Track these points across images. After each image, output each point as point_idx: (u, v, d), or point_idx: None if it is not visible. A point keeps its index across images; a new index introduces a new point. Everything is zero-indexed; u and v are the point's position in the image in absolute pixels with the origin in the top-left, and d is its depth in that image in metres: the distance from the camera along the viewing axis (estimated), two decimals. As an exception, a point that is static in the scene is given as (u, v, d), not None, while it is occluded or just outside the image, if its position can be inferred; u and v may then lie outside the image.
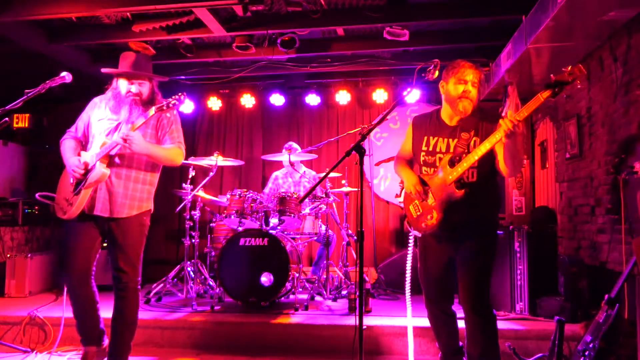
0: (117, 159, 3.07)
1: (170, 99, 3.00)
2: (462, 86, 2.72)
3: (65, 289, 3.24)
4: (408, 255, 3.05)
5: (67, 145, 3.20)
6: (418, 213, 2.85)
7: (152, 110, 3.00)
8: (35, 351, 3.86)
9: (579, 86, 2.41)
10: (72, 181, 3.08)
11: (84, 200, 3.02)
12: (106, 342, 3.24)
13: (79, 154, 3.13)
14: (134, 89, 3.11)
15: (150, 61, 3.18)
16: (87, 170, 3.02)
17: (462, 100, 2.72)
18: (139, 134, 2.98)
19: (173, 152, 3.15)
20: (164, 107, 2.98)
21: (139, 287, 3.20)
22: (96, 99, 3.27)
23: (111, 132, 3.10)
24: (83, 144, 3.23)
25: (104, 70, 3.16)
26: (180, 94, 3.01)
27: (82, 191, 3.00)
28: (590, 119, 4.57)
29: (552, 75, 2.42)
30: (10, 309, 4.35)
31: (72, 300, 3.15)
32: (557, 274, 4.18)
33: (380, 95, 6.53)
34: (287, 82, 6.79)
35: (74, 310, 3.16)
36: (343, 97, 6.58)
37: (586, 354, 3.05)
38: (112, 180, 3.06)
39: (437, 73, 2.68)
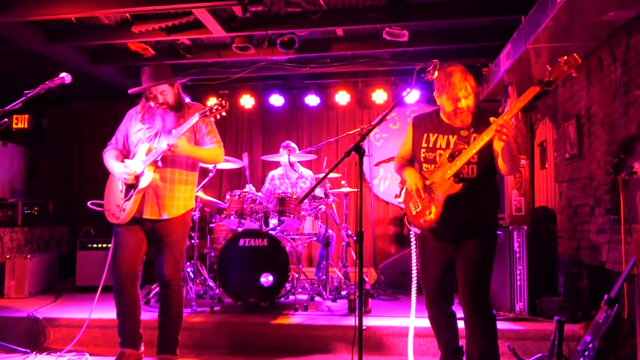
0: (160, 163, 3.19)
1: (213, 106, 3.10)
2: (454, 104, 2.72)
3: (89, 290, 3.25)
4: (412, 255, 3.05)
5: (110, 155, 3.36)
6: (417, 209, 2.86)
7: (195, 117, 3.11)
8: (34, 352, 3.85)
9: (574, 75, 2.43)
10: (121, 188, 3.23)
11: (135, 205, 3.17)
12: (142, 348, 3.35)
13: (122, 162, 3.28)
14: (159, 99, 3.25)
15: (166, 68, 3.30)
16: (137, 177, 3.16)
17: (458, 116, 2.74)
18: (182, 140, 3.13)
19: (215, 152, 3.33)
20: (207, 113, 3.10)
21: (182, 282, 3.35)
22: (131, 111, 3.43)
23: (151, 139, 3.25)
24: (124, 154, 3.38)
25: (130, 91, 3.29)
26: (221, 99, 3.11)
27: (133, 196, 3.15)
28: (590, 119, 4.57)
29: (547, 66, 2.44)
30: (10, 310, 4.35)
31: (117, 301, 3.29)
32: (557, 274, 4.17)
33: (379, 96, 6.53)
34: (286, 82, 6.79)
35: (118, 311, 3.30)
36: (342, 97, 6.59)
37: (586, 354, 3.05)
38: (158, 184, 3.20)
39: (436, 73, 2.69)
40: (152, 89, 3.23)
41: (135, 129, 3.33)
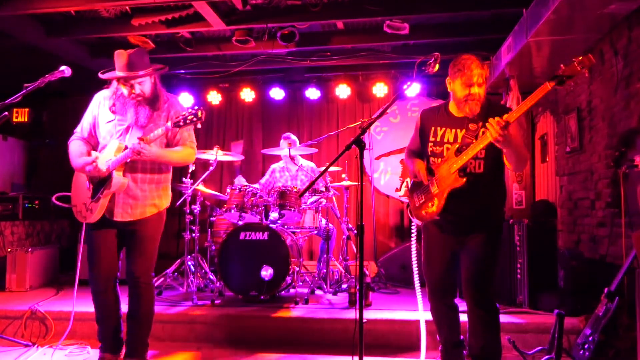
0: (130, 163, 3.03)
1: (187, 114, 2.87)
2: (468, 89, 2.71)
3: (72, 287, 3.22)
4: (412, 247, 3.05)
5: (76, 147, 3.12)
6: (421, 201, 2.86)
7: (168, 125, 2.92)
8: (36, 345, 3.87)
9: (587, 75, 2.42)
10: (88, 186, 3.06)
11: (103, 207, 3.02)
12: (123, 352, 3.23)
13: (89, 154, 3.08)
14: (136, 89, 3.02)
15: (145, 55, 3.04)
16: (106, 177, 3.00)
17: (468, 102, 2.73)
18: (154, 146, 2.96)
19: (184, 153, 3.13)
20: (180, 124, 2.88)
21: (153, 281, 3.21)
22: (99, 97, 3.18)
23: (122, 134, 3.06)
24: (92, 144, 3.18)
25: (102, 76, 3.07)
26: (197, 108, 2.88)
27: (101, 198, 3.00)
28: (591, 113, 4.56)
29: (562, 64, 2.42)
30: (11, 303, 4.36)
31: (96, 304, 3.18)
32: (557, 268, 4.18)
33: (380, 89, 6.52)
34: (286, 76, 6.77)
35: (97, 315, 3.20)
36: (343, 90, 6.57)
37: (586, 347, 3.07)
38: (130, 185, 3.04)
39: (437, 67, 2.67)
40: (128, 79, 2.98)
41: (105, 119, 3.09)
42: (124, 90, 3.04)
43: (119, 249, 3.18)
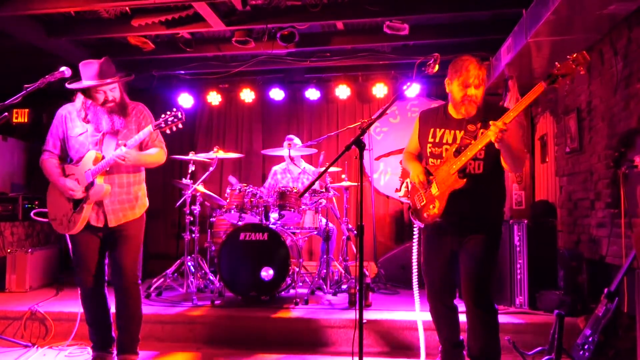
0: (115, 169, 3.11)
1: (167, 117, 2.99)
2: (464, 90, 2.72)
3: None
4: (414, 248, 3.05)
5: (52, 166, 3.17)
6: (422, 203, 2.86)
7: (149, 128, 3.02)
8: (36, 346, 3.87)
9: (582, 73, 2.42)
10: (69, 200, 3.11)
11: (87, 216, 3.08)
12: (114, 351, 3.28)
13: (62, 172, 3.14)
14: (109, 96, 3.09)
15: (112, 64, 3.10)
16: (86, 187, 3.06)
17: (464, 104, 2.74)
18: (134, 150, 3.05)
19: (158, 156, 3.23)
20: (162, 125, 3.00)
21: (139, 280, 3.25)
22: (63, 112, 3.21)
23: (99, 144, 3.11)
24: (62, 158, 3.22)
25: (69, 86, 3.09)
26: (177, 110, 3.00)
27: (84, 208, 3.05)
28: (590, 113, 4.56)
29: (557, 63, 2.43)
30: (11, 304, 4.36)
31: (85, 308, 3.23)
32: (557, 268, 4.18)
33: (380, 90, 6.52)
34: (286, 76, 6.77)
35: (87, 317, 3.24)
36: (343, 91, 6.57)
37: (585, 347, 3.07)
38: (116, 190, 3.12)
39: (437, 67, 2.68)
40: (100, 85, 3.04)
41: (76, 132, 3.14)
42: (99, 97, 3.09)
43: (104, 252, 3.22)
